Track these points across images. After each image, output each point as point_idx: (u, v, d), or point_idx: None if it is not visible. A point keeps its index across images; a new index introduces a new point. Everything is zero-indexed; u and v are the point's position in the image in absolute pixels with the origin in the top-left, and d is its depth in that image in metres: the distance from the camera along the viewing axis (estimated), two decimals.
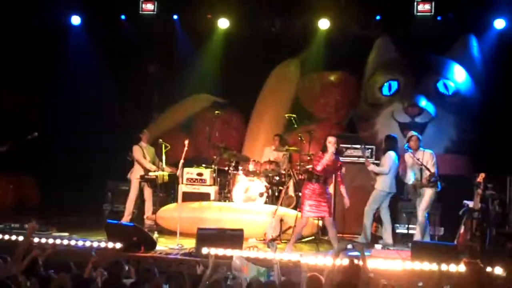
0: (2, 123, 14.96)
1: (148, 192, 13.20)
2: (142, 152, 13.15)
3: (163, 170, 13.03)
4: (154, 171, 13.01)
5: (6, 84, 15.42)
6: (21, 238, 10.66)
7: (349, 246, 9.10)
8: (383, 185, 11.68)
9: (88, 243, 10.79)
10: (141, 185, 13.14)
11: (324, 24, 14.66)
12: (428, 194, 11.14)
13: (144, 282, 7.37)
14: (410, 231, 11.87)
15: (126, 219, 12.83)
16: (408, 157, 11.36)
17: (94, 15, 15.21)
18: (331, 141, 10.56)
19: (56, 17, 15.11)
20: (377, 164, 11.99)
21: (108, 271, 7.75)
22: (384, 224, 11.77)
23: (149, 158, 13.19)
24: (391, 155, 11.66)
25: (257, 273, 8.28)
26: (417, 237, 11.09)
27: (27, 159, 14.74)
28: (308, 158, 13.40)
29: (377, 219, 12.01)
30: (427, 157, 11.21)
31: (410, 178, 11.38)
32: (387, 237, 11.65)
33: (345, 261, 7.90)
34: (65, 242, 10.90)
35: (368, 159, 12.16)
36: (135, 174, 13.14)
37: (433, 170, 11.10)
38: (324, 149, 10.62)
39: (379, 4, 14.36)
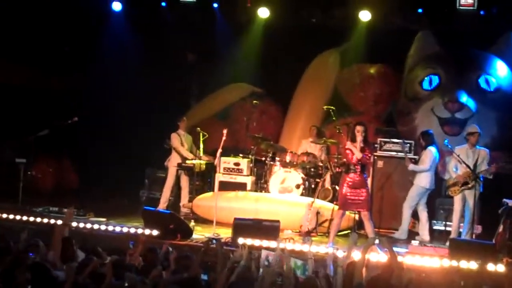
0: (43, 107, 15.10)
1: (184, 180, 13.25)
2: (180, 140, 13.19)
3: (200, 159, 13.07)
4: (192, 159, 13.04)
5: (47, 67, 15.55)
6: (59, 222, 10.78)
7: (376, 242, 9.02)
8: (422, 181, 11.58)
9: (125, 229, 10.88)
10: (178, 172, 13.19)
11: (365, 15, 14.54)
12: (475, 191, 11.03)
13: (182, 269, 7.38)
14: (448, 228, 11.78)
15: (162, 206, 12.90)
16: (461, 151, 11.23)
17: (135, 1, 15.25)
18: (359, 130, 10.50)
19: (98, 2, 15.17)
20: (415, 160, 11.89)
21: (143, 258, 7.79)
22: (421, 220, 11.68)
23: (186, 146, 13.23)
24: (432, 150, 11.56)
25: (294, 266, 8.25)
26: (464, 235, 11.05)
27: (67, 143, 14.88)
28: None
29: (415, 215, 11.93)
30: (483, 154, 11.10)
31: (452, 172, 11.27)
32: (424, 233, 11.56)
33: (381, 256, 7.89)
34: (103, 227, 11.00)
35: (407, 155, 12.05)
36: (173, 162, 13.19)
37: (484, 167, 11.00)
38: (353, 138, 10.55)
39: None
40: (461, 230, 11.28)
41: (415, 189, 11.67)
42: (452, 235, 11.12)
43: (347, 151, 10.55)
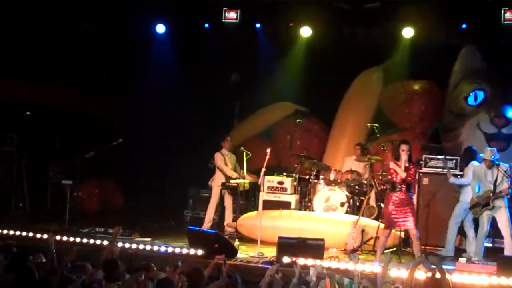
0: (89, 130, 15.31)
1: (228, 199, 13.26)
2: (223, 159, 13.23)
3: (244, 178, 13.08)
4: (236, 178, 13.07)
5: (93, 91, 15.78)
6: (105, 242, 10.88)
7: (425, 260, 8.85)
8: (466, 197, 11.42)
9: (170, 249, 10.92)
10: (222, 192, 13.21)
11: (408, 32, 14.44)
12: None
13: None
14: (496, 245, 11.56)
15: (206, 226, 12.92)
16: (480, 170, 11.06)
17: (178, 23, 15.39)
18: (404, 149, 10.40)
19: (142, 25, 15.35)
20: (461, 176, 11.74)
21: (188, 278, 7.80)
22: (468, 237, 11.49)
23: (230, 165, 13.26)
24: (473, 165, 11.38)
25: (341, 285, 8.17)
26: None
27: (112, 164, 15.05)
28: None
29: (462, 232, 11.75)
30: (503, 169, 10.88)
31: (474, 192, 11.11)
32: (472, 250, 11.36)
33: (427, 274, 7.76)
34: (148, 247, 11.06)
35: (450, 171, 11.89)
36: (216, 181, 13.22)
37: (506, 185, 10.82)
38: (397, 157, 10.46)
39: (465, 12, 14.04)
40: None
41: (460, 205, 11.52)
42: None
43: (391, 171, 10.46)
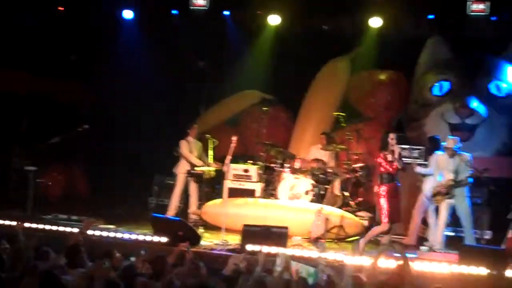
0: (54, 115, 15.18)
1: (193, 187, 13.24)
2: (188, 147, 13.19)
3: (209, 165, 13.06)
4: (200, 166, 13.05)
5: (59, 76, 15.63)
6: (68, 229, 10.84)
7: (389, 248, 8.95)
8: (429, 186, 11.52)
9: (134, 236, 10.90)
10: (186, 179, 13.19)
11: (375, 22, 14.51)
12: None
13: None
14: (458, 234, 11.71)
15: (171, 213, 12.89)
16: (442, 158, 11.17)
17: (146, 9, 15.30)
18: (393, 138, 10.47)
19: (109, 11, 15.23)
20: (425, 166, 11.84)
21: (152, 265, 7.78)
22: (430, 226, 11.59)
23: (196, 153, 13.23)
24: (437, 155, 11.48)
25: (306, 274, 8.21)
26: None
27: (77, 151, 14.95)
28: (356, 157, 13.34)
29: (424, 221, 11.87)
30: (465, 159, 11.00)
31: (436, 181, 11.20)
32: (434, 239, 11.47)
33: (391, 263, 7.84)
34: (112, 234, 11.02)
35: (415, 161, 11.99)
36: (181, 169, 13.19)
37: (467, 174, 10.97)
38: (384, 147, 10.46)
39: (432, 4, 14.14)
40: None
41: (423, 195, 11.61)
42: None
43: (382, 163, 10.44)
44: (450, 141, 11.10)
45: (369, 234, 10.82)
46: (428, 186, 11.49)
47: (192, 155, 13.10)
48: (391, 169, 10.43)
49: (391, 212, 10.47)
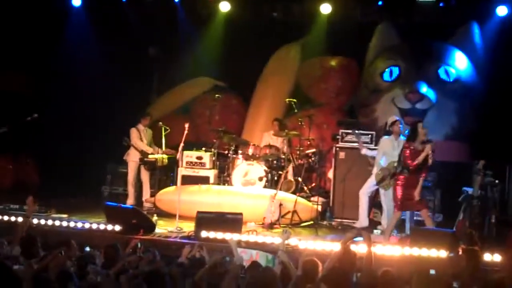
0: (2, 104, 14.91)
1: (145, 175, 13.21)
2: (139, 135, 13.15)
3: (162, 153, 13.02)
4: (151, 153, 13.00)
5: (6, 65, 15.35)
6: (20, 219, 10.69)
7: (359, 239, 8.90)
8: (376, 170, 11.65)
9: (87, 225, 10.81)
10: (138, 167, 13.13)
11: (325, 8, 14.60)
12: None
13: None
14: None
15: (131, 202, 12.90)
16: (387, 142, 11.29)
17: None
18: (426, 133, 10.35)
19: None
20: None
21: (104, 254, 7.76)
22: (384, 209, 11.74)
23: (145, 140, 13.18)
24: (383, 140, 11.60)
25: (266, 261, 8.26)
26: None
27: (26, 140, 14.71)
28: (308, 142, 13.42)
29: (377, 205, 12.02)
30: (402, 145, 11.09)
31: (378, 166, 11.28)
32: (385, 222, 11.60)
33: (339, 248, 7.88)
34: (64, 223, 10.92)
35: (363, 145, 12.08)
36: (132, 156, 13.16)
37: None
38: (412, 138, 10.37)
39: None
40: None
41: (371, 178, 11.73)
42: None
43: (408, 152, 10.27)
44: (399, 125, 11.25)
45: (388, 230, 10.70)
46: (375, 170, 11.62)
47: (142, 143, 13.06)
48: (411, 162, 10.21)
49: (404, 203, 10.42)
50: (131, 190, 13.14)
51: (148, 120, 13.40)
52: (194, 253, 8.16)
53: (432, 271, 7.77)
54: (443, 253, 9.41)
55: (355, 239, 8.16)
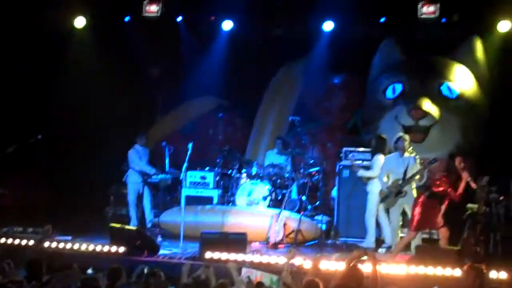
0: (8, 125, 14.94)
1: (147, 195, 13.19)
2: (137, 156, 13.16)
3: (166, 173, 13.02)
4: (153, 174, 12.99)
5: (13, 87, 15.39)
6: (24, 241, 10.70)
7: (364, 258, 8.89)
8: (374, 187, 11.64)
9: (91, 247, 10.79)
10: (142, 188, 13.12)
11: (328, 26, 14.61)
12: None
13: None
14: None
15: (134, 224, 12.88)
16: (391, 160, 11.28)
17: (98, 17, 15.16)
18: (462, 162, 10.52)
19: (61, 19, 15.05)
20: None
21: (107, 277, 7.74)
22: (382, 227, 11.69)
23: (144, 160, 13.18)
24: (379, 157, 11.60)
25: (270, 282, 8.22)
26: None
27: (31, 161, 14.72)
28: (312, 161, 13.39)
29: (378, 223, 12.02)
30: (411, 162, 11.02)
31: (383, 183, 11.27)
32: (389, 240, 11.56)
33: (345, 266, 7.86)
34: (68, 245, 10.90)
35: (358, 163, 12.06)
36: (130, 178, 13.17)
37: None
38: (449, 170, 10.62)
39: (384, 6, 14.27)
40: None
41: (370, 197, 11.71)
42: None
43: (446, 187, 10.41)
44: (404, 141, 11.21)
45: (398, 247, 10.75)
46: (375, 188, 11.59)
47: (142, 163, 13.06)
48: (453, 194, 10.40)
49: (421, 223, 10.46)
50: (132, 212, 13.13)
51: (144, 139, 13.41)
52: (200, 274, 8.15)
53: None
54: (448, 271, 9.38)
55: (360, 258, 8.14)
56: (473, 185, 10.48)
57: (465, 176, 10.41)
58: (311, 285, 6.94)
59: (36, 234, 11.05)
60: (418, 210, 10.42)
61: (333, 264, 9.56)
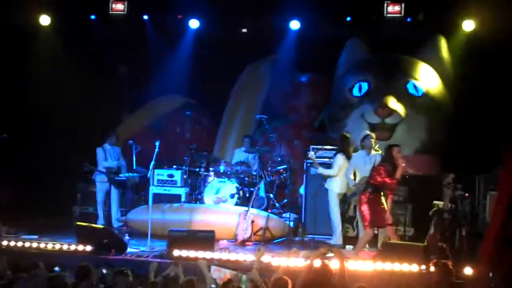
0: None
1: (115, 194, 13.13)
2: (104, 155, 13.13)
3: (132, 172, 12.97)
4: (120, 172, 12.94)
5: None
6: None
7: (330, 255, 8.97)
8: (332, 185, 11.78)
9: (57, 245, 10.71)
10: (110, 186, 13.06)
11: (295, 25, 14.66)
12: None
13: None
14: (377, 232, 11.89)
15: (101, 222, 12.80)
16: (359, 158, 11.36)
17: (63, 15, 15.03)
18: (399, 152, 10.54)
19: (25, 17, 14.91)
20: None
21: (75, 275, 7.70)
22: (335, 224, 11.76)
23: (111, 159, 13.13)
24: (339, 157, 11.69)
25: (238, 281, 8.22)
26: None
27: None
28: (279, 159, 13.43)
29: (348, 220, 12.09)
30: (378, 160, 11.12)
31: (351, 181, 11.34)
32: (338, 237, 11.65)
33: (316, 263, 7.92)
34: (34, 244, 10.80)
35: (317, 163, 12.11)
36: (98, 176, 13.08)
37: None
38: (387, 160, 10.54)
39: (350, 5, 14.37)
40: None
41: (330, 195, 11.80)
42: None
43: (383, 174, 10.45)
44: (371, 139, 11.30)
45: (358, 246, 10.78)
46: (334, 186, 11.68)
47: (107, 162, 13.02)
48: (389, 182, 10.44)
49: (373, 220, 10.49)
50: (100, 210, 13.06)
51: (114, 139, 13.36)
52: (170, 271, 8.15)
53: None
54: (415, 267, 9.47)
55: (327, 255, 8.21)
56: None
57: (401, 162, 10.49)
58: (280, 282, 6.98)
59: None
60: (365, 207, 10.51)
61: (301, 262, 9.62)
